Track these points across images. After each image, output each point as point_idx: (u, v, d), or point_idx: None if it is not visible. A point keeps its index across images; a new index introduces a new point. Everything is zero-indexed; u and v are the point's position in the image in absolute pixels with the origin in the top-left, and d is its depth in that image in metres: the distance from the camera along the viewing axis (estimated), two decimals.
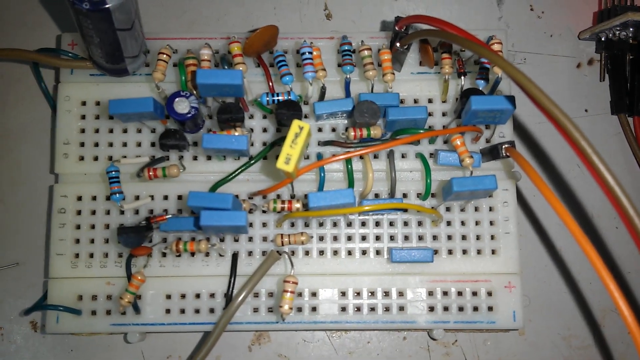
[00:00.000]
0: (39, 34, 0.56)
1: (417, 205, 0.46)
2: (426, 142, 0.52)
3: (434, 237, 0.52)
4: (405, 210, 0.51)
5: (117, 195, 0.49)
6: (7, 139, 0.56)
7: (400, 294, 0.51)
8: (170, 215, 0.48)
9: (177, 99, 0.47)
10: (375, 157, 0.52)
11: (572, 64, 0.59)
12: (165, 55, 0.49)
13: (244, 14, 0.59)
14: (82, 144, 0.53)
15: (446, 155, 0.48)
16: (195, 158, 0.52)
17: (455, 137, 0.48)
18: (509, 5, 0.60)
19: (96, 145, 0.53)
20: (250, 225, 0.52)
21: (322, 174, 0.49)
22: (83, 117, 0.53)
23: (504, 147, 0.47)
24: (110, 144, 0.53)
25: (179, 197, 0.52)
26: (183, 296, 0.51)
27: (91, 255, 0.51)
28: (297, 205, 0.48)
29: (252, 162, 0.51)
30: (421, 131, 0.49)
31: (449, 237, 0.52)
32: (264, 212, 0.52)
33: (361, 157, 0.52)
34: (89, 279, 0.51)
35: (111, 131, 0.53)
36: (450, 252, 0.52)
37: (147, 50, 0.53)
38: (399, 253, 0.49)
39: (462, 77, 0.50)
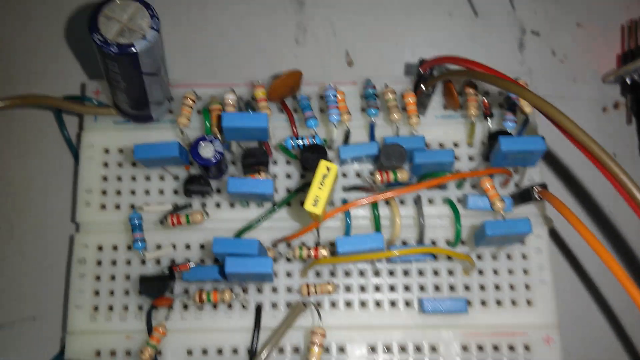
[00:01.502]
0: (63, 82, 0.56)
1: (449, 251, 0.44)
2: (454, 187, 0.51)
3: (466, 287, 0.50)
4: (435, 258, 0.50)
5: (140, 243, 0.48)
6: (28, 189, 0.56)
7: (433, 348, 0.48)
8: (192, 264, 0.47)
9: (202, 143, 0.47)
10: (402, 202, 0.51)
11: (598, 107, 0.58)
12: (189, 100, 0.49)
13: (266, 62, 0.59)
14: (104, 192, 0.52)
15: (476, 200, 0.47)
16: (218, 205, 0.51)
17: (484, 180, 0.47)
18: (530, 50, 0.60)
19: (118, 193, 0.52)
20: (274, 275, 0.50)
21: (349, 220, 0.48)
22: (106, 164, 0.53)
23: (536, 189, 0.45)
24: (133, 192, 0.52)
25: (202, 247, 0.51)
26: (205, 351, 0.49)
27: (111, 308, 0.50)
28: (324, 252, 0.46)
29: (276, 208, 0.50)
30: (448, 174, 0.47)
31: (482, 287, 0.50)
32: (288, 260, 0.50)
33: (387, 202, 0.50)
34: (108, 332, 0.49)
35: (134, 179, 0.52)
36: (483, 303, 0.49)
37: (172, 97, 0.53)
38: (431, 303, 0.47)
39: (489, 119, 0.49)
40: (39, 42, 0.60)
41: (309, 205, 0.40)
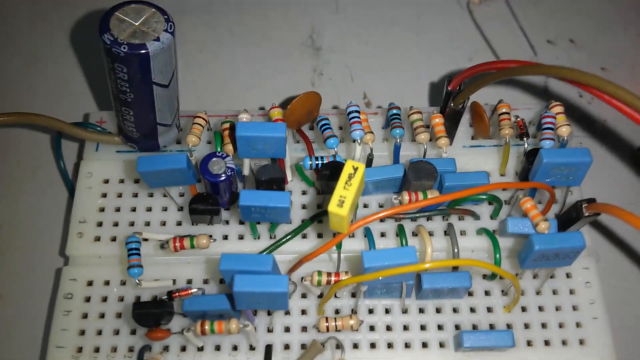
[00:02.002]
0: (65, 110, 0.53)
1: (493, 266, 0.38)
2: (487, 217, 0.46)
3: (508, 326, 0.43)
4: (469, 294, 0.44)
5: (136, 269, 0.42)
6: (12, 218, 0.51)
7: None
8: (195, 290, 0.41)
9: (212, 159, 0.43)
10: (431, 234, 0.46)
11: (626, 148, 0.55)
12: (201, 119, 0.46)
13: (281, 103, 0.56)
14: (100, 224, 0.47)
15: (516, 222, 0.42)
16: (225, 237, 0.46)
17: (524, 201, 0.42)
18: (555, 94, 0.58)
19: (115, 224, 0.47)
20: (287, 313, 0.44)
21: (371, 239, 0.43)
22: (104, 195, 0.48)
23: (584, 205, 0.41)
24: (132, 224, 0.47)
25: (205, 281, 0.45)
26: None
27: (97, 349, 0.43)
28: (345, 277, 0.41)
29: (289, 237, 0.45)
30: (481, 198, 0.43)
31: (526, 326, 0.43)
32: (303, 296, 0.44)
33: (415, 234, 0.45)
34: None
35: (134, 210, 0.48)
36: (529, 343, 0.43)
37: (180, 126, 0.49)
38: (472, 337, 0.40)
39: (525, 139, 0.45)
40: (46, 65, 0.58)
41: (333, 207, 0.35)
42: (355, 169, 0.36)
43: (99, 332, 0.43)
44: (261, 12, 0.62)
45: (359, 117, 0.44)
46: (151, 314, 0.40)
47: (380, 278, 0.38)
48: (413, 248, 0.37)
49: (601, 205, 0.39)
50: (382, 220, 0.46)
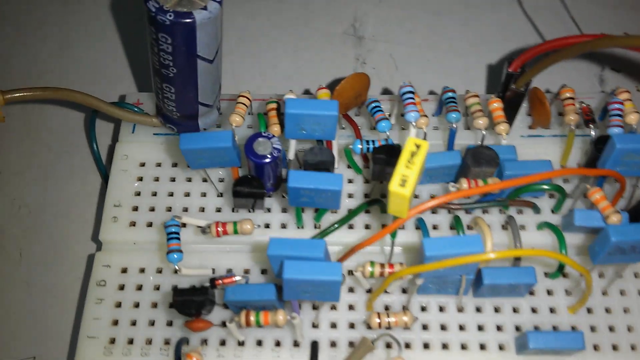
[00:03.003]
0: (99, 94, 0.51)
1: (566, 257, 0.35)
2: (548, 211, 0.43)
3: (573, 328, 0.40)
4: (530, 293, 0.41)
5: (176, 254, 0.39)
6: (42, 202, 0.49)
7: None
8: (239, 278, 0.38)
9: (258, 139, 0.40)
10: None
11: None
12: (245, 99, 0.43)
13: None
14: (136, 209, 0.45)
15: (584, 214, 0.39)
16: (267, 226, 0.43)
17: (593, 191, 0.39)
18: (611, 84, 0.55)
19: (152, 210, 0.45)
20: (333, 308, 0.41)
21: (425, 230, 0.40)
22: (140, 179, 0.46)
23: None
24: (169, 209, 0.45)
25: (246, 271, 0.42)
26: None
27: (131, 341, 0.40)
28: (400, 268, 0.38)
29: (336, 227, 0.42)
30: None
31: (592, 329, 0.40)
32: (351, 290, 0.41)
33: (470, 227, 0.42)
34: None
35: (171, 195, 0.45)
36: (595, 347, 0.39)
37: (221, 111, 0.47)
38: (538, 337, 0.37)
39: (592, 127, 0.42)
40: (80, 47, 0.56)
41: (395, 186, 0.32)
42: (418, 147, 0.33)
43: (133, 323, 0.41)
44: (302, 0, 0.60)
45: (413, 98, 0.41)
46: (193, 302, 0.37)
47: (442, 269, 0.35)
48: (478, 236, 0.34)
49: None
50: (433, 211, 0.44)
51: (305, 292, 0.36)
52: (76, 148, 0.51)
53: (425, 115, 0.42)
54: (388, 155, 0.40)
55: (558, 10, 0.58)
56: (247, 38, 0.57)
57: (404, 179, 0.32)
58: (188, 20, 0.38)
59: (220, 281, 0.38)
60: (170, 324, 0.41)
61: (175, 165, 0.46)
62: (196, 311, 0.37)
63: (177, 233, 0.40)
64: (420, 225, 0.41)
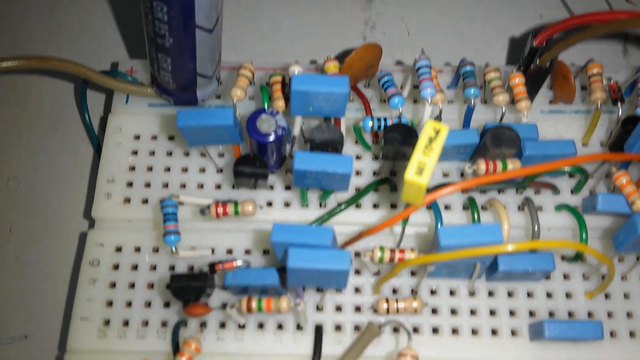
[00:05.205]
0: (90, 60, 0.47)
1: (589, 248, 0.33)
2: (567, 192, 0.41)
3: (589, 314, 0.38)
4: (546, 277, 0.39)
5: (173, 237, 0.37)
6: (32, 177, 0.46)
7: None
8: (240, 262, 0.36)
9: (261, 116, 0.37)
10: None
11: None
12: (247, 71, 0.40)
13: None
14: (130, 184, 0.42)
15: (609, 199, 0.37)
16: (269, 204, 0.41)
17: (619, 175, 0.37)
18: (635, 55, 0.52)
19: (147, 185, 0.42)
20: (338, 291, 0.39)
21: (438, 212, 0.37)
22: (135, 152, 0.43)
23: None
24: (166, 185, 0.42)
25: (247, 252, 0.40)
26: None
27: (126, 323, 0.38)
28: (412, 255, 0.36)
29: (343, 207, 0.40)
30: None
31: (610, 315, 0.38)
32: (357, 273, 0.39)
33: (484, 208, 0.40)
34: (119, 353, 0.38)
35: (168, 170, 0.43)
36: (612, 334, 0.38)
37: (220, 80, 0.44)
38: (554, 327, 0.35)
39: (619, 104, 0.39)
40: (69, 9, 0.52)
41: (412, 174, 0.30)
42: (437, 132, 0.31)
43: (129, 304, 0.39)
44: None
45: (429, 73, 0.39)
46: (191, 288, 0.35)
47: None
48: (498, 225, 0.32)
49: None
50: None
51: (311, 279, 0.34)
52: (67, 120, 0.48)
53: (441, 91, 0.39)
54: (401, 136, 0.38)
55: None
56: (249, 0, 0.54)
57: (421, 166, 0.30)
58: None
59: (220, 266, 0.35)
60: (167, 305, 0.39)
61: (171, 138, 0.44)
62: (195, 298, 0.35)
63: (175, 214, 0.38)
64: (432, 206, 0.39)
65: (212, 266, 0.36)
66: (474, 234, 0.32)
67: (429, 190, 0.34)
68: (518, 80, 0.40)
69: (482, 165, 0.37)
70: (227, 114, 0.36)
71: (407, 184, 0.30)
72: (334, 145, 0.38)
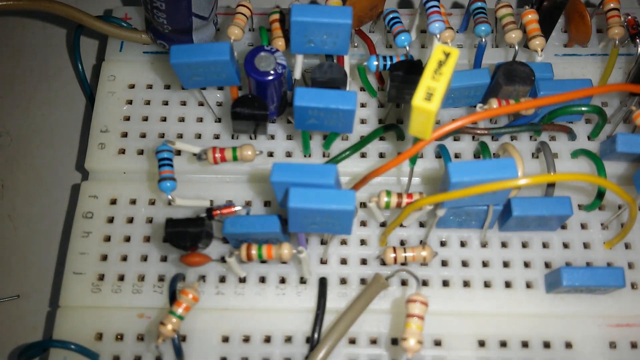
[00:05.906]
0: (82, 6, 0.45)
1: (610, 183, 0.31)
2: (584, 138, 0.39)
3: (608, 264, 0.36)
4: (562, 227, 0.37)
5: (168, 182, 0.35)
6: (21, 127, 0.45)
7: (569, 345, 0.34)
8: (239, 208, 0.34)
9: (260, 54, 0.35)
10: None
11: None
12: (245, 9, 0.38)
13: None
14: (125, 135, 0.40)
15: (628, 139, 0.35)
16: (270, 154, 0.39)
17: (638, 114, 0.34)
18: None
19: (143, 136, 0.40)
20: (343, 243, 0.37)
21: (447, 158, 0.36)
22: (129, 102, 0.41)
23: None
24: (162, 136, 0.40)
25: (247, 203, 0.38)
26: (246, 339, 0.35)
27: (121, 278, 0.37)
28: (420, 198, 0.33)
29: (346, 154, 0.38)
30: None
31: (630, 266, 0.36)
32: (362, 224, 0.37)
33: (497, 155, 0.38)
34: (114, 309, 0.36)
35: (164, 120, 0.41)
36: (633, 286, 0.36)
37: (218, 26, 0.42)
38: (573, 274, 0.33)
39: (638, 41, 0.37)
40: None
41: (420, 100, 0.27)
42: (447, 55, 0.28)
43: (124, 258, 0.37)
44: None
45: (438, 7, 0.36)
46: (187, 234, 0.33)
47: (468, 198, 0.30)
48: (512, 160, 0.30)
49: None
50: (455, 138, 0.39)
51: (313, 223, 0.32)
52: (59, 68, 0.46)
53: (451, 28, 0.37)
54: (408, 72, 0.35)
55: None
56: None
57: (430, 92, 0.28)
58: None
59: (218, 211, 0.34)
60: (164, 259, 0.37)
61: (168, 87, 0.42)
62: (191, 244, 0.33)
63: (170, 159, 0.36)
64: (442, 152, 0.37)
65: (210, 211, 0.34)
66: (487, 170, 0.30)
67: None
68: (531, 16, 0.37)
69: (494, 104, 0.35)
70: (224, 48, 0.34)
71: (415, 111, 0.28)
72: (336, 85, 0.36)
